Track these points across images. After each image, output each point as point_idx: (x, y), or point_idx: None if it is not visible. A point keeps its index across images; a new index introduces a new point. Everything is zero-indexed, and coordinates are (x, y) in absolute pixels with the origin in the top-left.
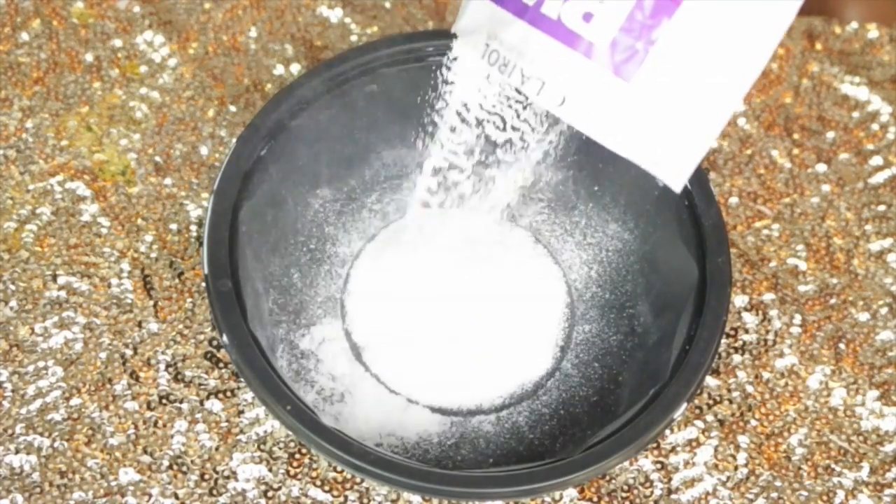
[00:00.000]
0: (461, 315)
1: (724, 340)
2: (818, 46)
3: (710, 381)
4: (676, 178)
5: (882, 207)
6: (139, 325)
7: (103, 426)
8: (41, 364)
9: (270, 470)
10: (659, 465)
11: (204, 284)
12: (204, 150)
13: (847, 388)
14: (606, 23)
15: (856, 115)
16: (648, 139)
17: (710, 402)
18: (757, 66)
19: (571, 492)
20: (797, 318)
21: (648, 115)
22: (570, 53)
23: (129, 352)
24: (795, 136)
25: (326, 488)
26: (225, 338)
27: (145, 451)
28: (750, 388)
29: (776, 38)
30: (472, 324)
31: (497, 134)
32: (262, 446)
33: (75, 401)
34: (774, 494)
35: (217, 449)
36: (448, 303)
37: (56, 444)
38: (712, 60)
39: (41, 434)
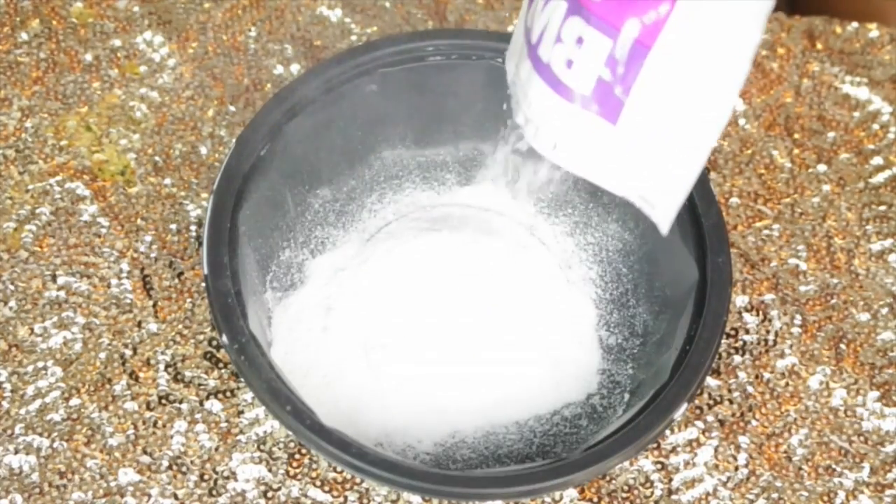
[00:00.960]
0: (461, 315)
1: (724, 341)
2: (819, 46)
3: (711, 381)
4: (664, 218)
5: (883, 207)
6: (139, 325)
7: (103, 426)
8: (40, 364)
9: (270, 470)
10: (659, 466)
11: (204, 284)
12: (203, 150)
13: (848, 388)
14: (586, 69)
15: (856, 114)
16: (638, 179)
17: (711, 402)
18: (727, 104)
19: (571, 492)
20: (798, 319)
21: (635, 156)
22: (558, 100)
23: (128, 352)
24: (796, 135)
25: (326, 488)
26: (225, 338)
27: (145, 452)
28: (750, 389)
29: (743, 74)
30: (472, 324)
31: None
32: (261, 446)
33: (75, 401)
34: (775, 495)
35: (217, 449)
36: (447, 303)
37: (55, 445)
38: (688, 99)
39: (40, 434)
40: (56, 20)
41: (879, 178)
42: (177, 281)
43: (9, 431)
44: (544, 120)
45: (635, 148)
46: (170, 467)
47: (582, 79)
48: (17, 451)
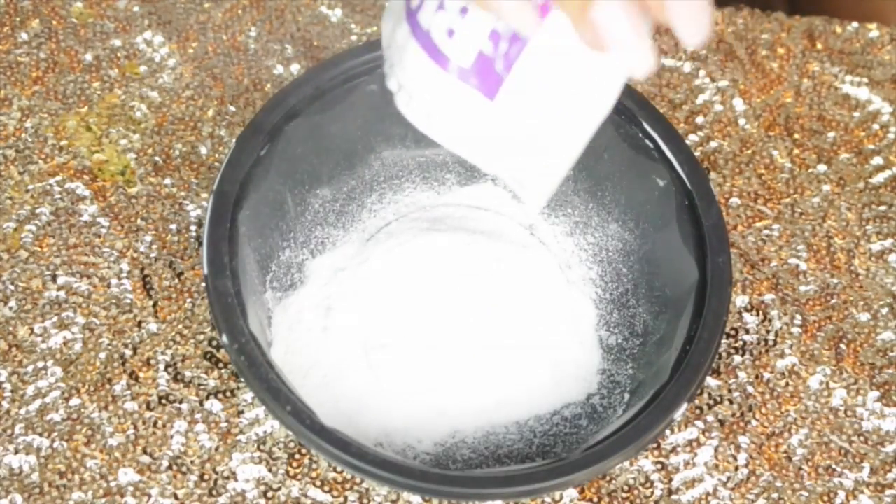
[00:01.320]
0: (461, 316)
1: (724, 341)
2: (819, 46)
3: (711, 381)
4: (536, 200)
5: (883, 207)
6: (139, 325)
7: (103, 426)
8: (40, 364)
9: (270, 470)
10: (659, 466)
11: (204, 284)
12: (203, 150)
13: (848, 388)
14: (467, 40)
15: (856, 114)
16: (512, 158)
17: (711, 402)
18: (611, 92)
19: (571, 492)
20: (798, 319)
21: (511, 135)
22: (435, 69)
23: (128, 352)
24: (796, 135)
25: (326, 489)
26: (225, 338)
27: (145, 452)
28: (750, 389)
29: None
30: (471, 324)
31: None
32: (261, 446)
33: (75, 401)
34: (775, 495)
35: (217, 449)
36: (448, 303)
37: (55, 445)
38: (571, 83)
39: (40, 434)
40: (56, 20)
41: (879, 178)
42: (177, 281)
43: (9, 431)
44: (419, 89)
45: (510, 126)
46: (170, 467)
47: (462, 50)
48: (17, 451)
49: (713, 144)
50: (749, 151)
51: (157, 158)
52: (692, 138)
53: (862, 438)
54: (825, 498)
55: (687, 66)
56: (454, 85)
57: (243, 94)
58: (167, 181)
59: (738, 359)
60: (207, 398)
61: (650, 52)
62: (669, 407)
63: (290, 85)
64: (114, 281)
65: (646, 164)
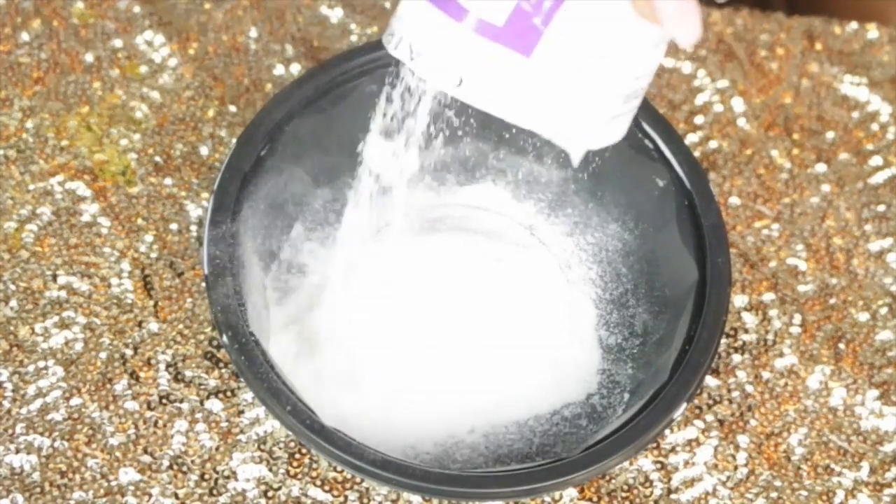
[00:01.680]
0: (461, 315)
1: (723, 340)
2: (818, 46)
3: (710, 381)
4: (577, 147)
5: (882, 207)
6: (139, 325)
7: (103, 426)
8: (41, 364)
9: (270, 470)
10: (659, 465)
11: (204, 284)
12: (204, 150)
13: (847, 388)
14: None
15: (855, 115)
16: (549, 110)
17: (710, 402)
18: (652, 37)
19: (571, 492)
20: (797, 318)
21: (548, 88)
22: (464, 32)
23: (129, 352)
24: (795, 136)
25: (326, 488)
26: (225, 338)
27: (145, 451)
28: (750, 388)
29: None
30: (471, 324)
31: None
32: (262, 446)
33: (75, 401)
34: (774, 494)
35: (217, 449)
36: (447, 303)
37: (56, 444)
38: (610, 32)
39: (41, 434)
40: (57, 21)
41: (878, 178)
42: (177, 281)
43: (10, 431)
44: (446, 55)
45: (549, 81)
46: (170, 467)
47: (495, 9)
48: (18, 451)
49: (712, 145)
50: (748, 152)
51: (157, 158)
52: (692, 138)
53: (861, 438)
54: (824, 497)
55: (687, 67)
56: (487, 47)
57: (243, 95)
58: (168, 181)
59: (737, 358)
60: (208, 398)
61: (698, 23)
62: (669, 407)
63: (290, 85)
64: (114, 281)
65: (645, 164)
